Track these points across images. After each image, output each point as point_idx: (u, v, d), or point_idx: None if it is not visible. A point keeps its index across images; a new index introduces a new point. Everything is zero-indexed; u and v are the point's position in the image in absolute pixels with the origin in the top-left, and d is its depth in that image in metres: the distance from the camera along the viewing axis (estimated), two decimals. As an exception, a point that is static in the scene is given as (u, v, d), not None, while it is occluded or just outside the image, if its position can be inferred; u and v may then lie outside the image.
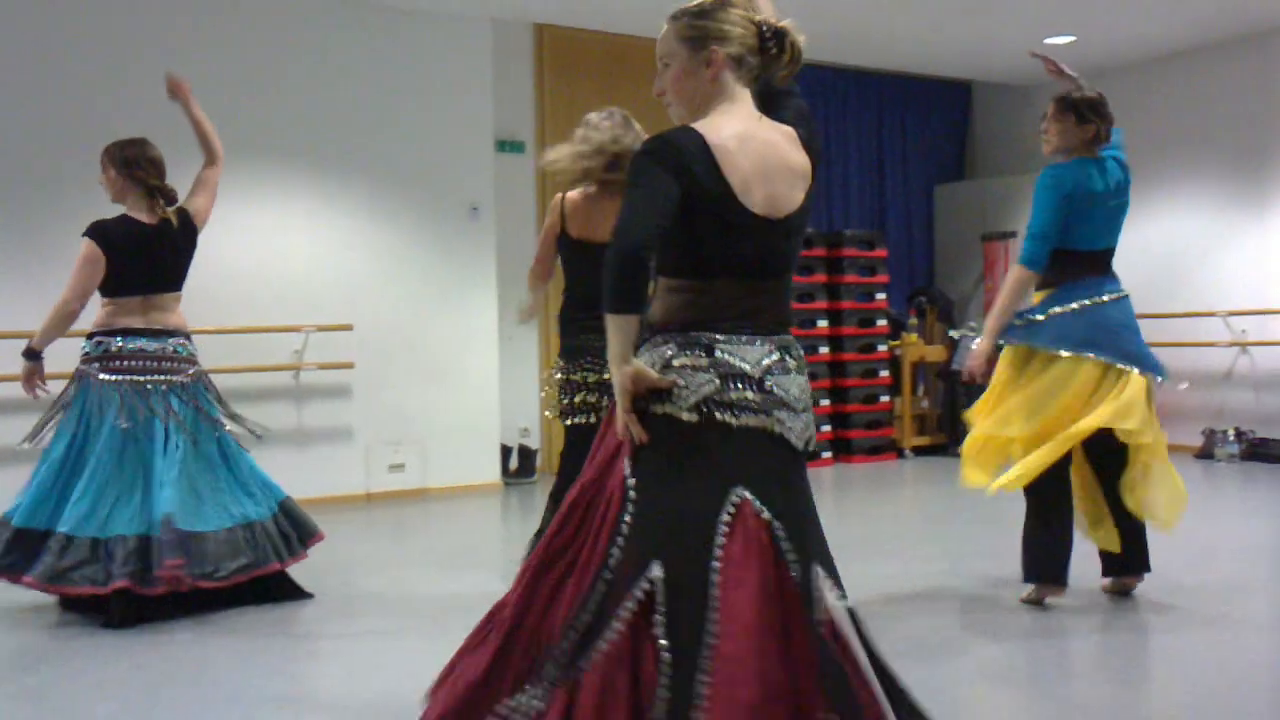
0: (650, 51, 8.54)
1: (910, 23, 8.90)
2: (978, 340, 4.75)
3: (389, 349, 8.12)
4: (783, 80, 2.59)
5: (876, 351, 9.92)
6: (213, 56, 7.57)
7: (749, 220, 2.41)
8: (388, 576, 5.74)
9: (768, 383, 2.40)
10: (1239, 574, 5.45)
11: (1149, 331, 10.48)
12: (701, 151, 2.37)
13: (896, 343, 10.15)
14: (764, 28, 2.51)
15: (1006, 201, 10.69)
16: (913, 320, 10.47)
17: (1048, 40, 9.35)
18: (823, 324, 9.68)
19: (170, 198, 4.98)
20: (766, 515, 2.34)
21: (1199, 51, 9.65)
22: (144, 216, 4.91)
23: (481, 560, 6.32)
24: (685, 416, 2.36)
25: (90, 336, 4.88)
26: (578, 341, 4.64)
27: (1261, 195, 9.33)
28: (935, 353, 10.27)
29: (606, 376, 3.78)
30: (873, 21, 8.81)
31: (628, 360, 2.36)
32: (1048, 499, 4.63)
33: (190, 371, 4.97)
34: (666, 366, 2.39)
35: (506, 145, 8.89)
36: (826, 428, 9.57)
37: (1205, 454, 9.31)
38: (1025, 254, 4.59)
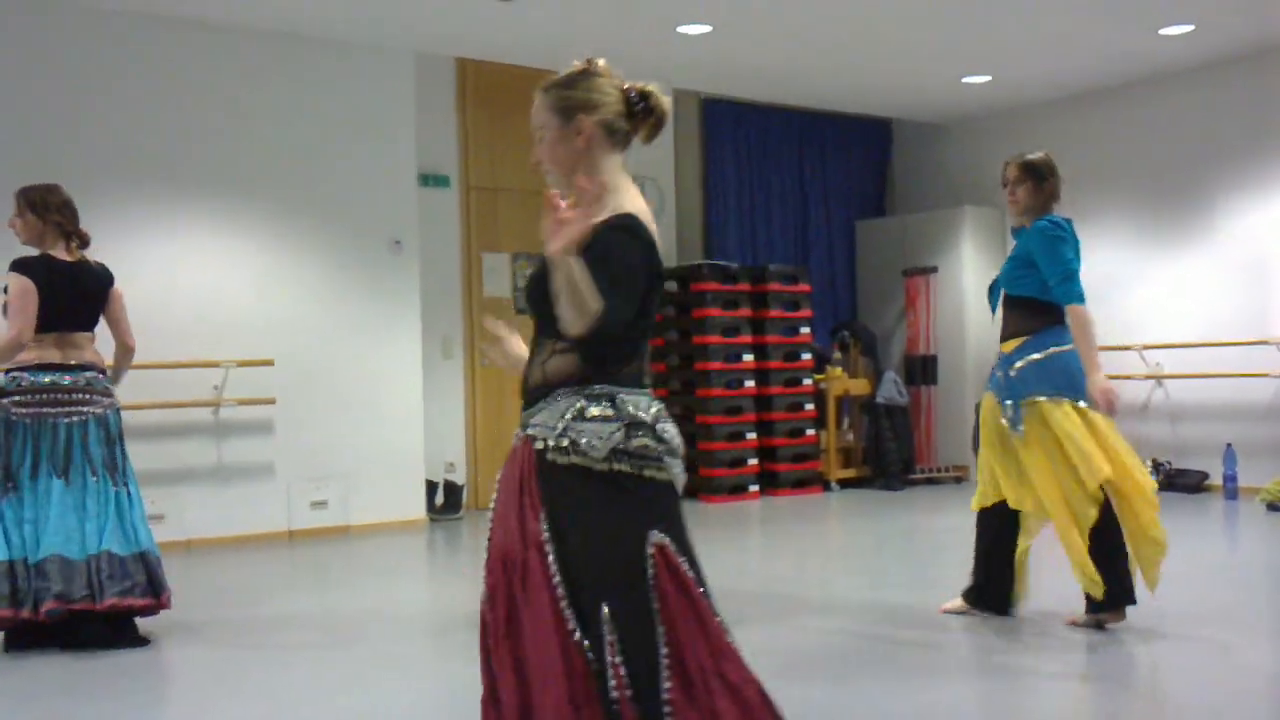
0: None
1: (832, 62, 9.02)
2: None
3: (311, 384, 8.01)
4: (647, 140, 2.67)
5: (801, 385, 9.98)
6: (133, 88, 7.47)
7: (660, 288, 2.58)
8: (311, 613, 5.64)
9: (659, 428, 2.50)
10: (1149, 602, 5.52)
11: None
12: (647, 228, 2.51)
13: (821, 376, 10.22)
14: (631, 93, 2.60)
15: (926, 237, 10.84)
16: (836, 354, 10.56)
17: (965, 79, 9.53)
18: (748, 358, 9.72)
19: (84, 241, 5.09)
20: (679, 557, 2.44)
21: (1113, 91, 9.89)
22: (62, 256, 4.99)
23: (404, 597, 6.23)
24: (598, 466, 2.44)
25: (6, 372, 4.92)
26: None
27: (1175, 230, 9.56)
28: (859, 386, 10.36)
29: None
30: (795, 60, 8.92)
31: None
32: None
33: (106, 403, 5.03)
34: (578, 418, 2.45)
35: (430, 179, 8.85)
36: (753, 461, 9.59)
37: (1123, 484, 9.46)
38: (1076, 294, 4.80)
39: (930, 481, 10.35)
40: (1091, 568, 4.64)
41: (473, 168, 9.21)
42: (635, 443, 2.46)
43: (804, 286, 10.14)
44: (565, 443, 2.44)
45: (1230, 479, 8.88)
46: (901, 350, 10.97)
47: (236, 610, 5.66)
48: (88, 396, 4.96)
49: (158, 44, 7.58)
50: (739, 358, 9.66)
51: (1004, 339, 5.00)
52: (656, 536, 2.43)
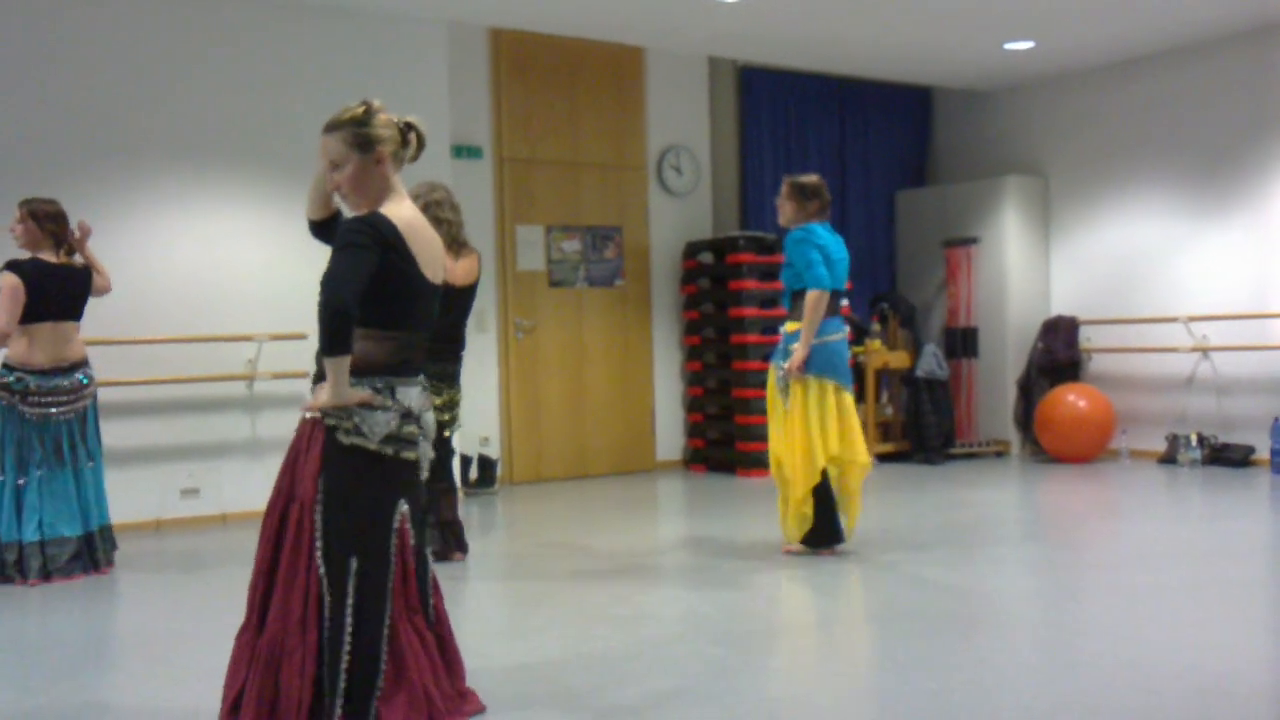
0: (608, 55, 8.87)
1: (871, 29, 8.86)
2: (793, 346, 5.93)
3: (345, 358, 7.96)
4: (413, 159, 3.32)
5: (839, 358, 9.85)
6: (165, 60, 7.45)
7: (425, 286, 3.21)
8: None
9: (423, 418, 3.23)
10: (1195, 576, 5.42)
11: (1110, 337, 10.51)
12: (395, 232, 3.12)
13: (860, 349, 10.11)
14: (403, 126, 3.27)
15: (968, 207, 10.68)
16: (875, 327, 10.43)
17: (1008, 45, 9.35)
18: (785, 331, 9.61)
19: (71, 249, 5.96)
20: (410, 523, 3.21)
21: (1158, 57, 9.67)
22: (51, 259, 5.83)
23: (442, 571, 6.19)
24: (372, 448, 3.12)
25: (9, 369, 5.71)
26: (433, 368, 5.43)
27: (1221, 199, 9.35)
28: (899, 359, 10.23)
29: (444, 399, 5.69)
30: (833, 27, 8.77)
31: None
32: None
33: (89, 394, 5.94)
34: (363, 405, 3.12)
35: (463, 151, 8.79)
36: (789, 435, 9.49)
37: (1168, 459, 9.32)
38: (814, 280, 5.79)
39: (971, 456, 10.23)
40: (806, 513, 5.86)
41: (506, 139, 9.13)
42: (405, 430, 3.16)
43: (842, 258, 10.00)
44: (350, 425, 3.08)
45: (1278, 453, 8.69)
46: (942, 323, 10.84)
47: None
48: (80, 394, 5.87)
49: (187, 18, 7.54)
50: (776, 330, 9.54)
51: (788, 321, 6.04)
52: (403, 506, 3.18)
